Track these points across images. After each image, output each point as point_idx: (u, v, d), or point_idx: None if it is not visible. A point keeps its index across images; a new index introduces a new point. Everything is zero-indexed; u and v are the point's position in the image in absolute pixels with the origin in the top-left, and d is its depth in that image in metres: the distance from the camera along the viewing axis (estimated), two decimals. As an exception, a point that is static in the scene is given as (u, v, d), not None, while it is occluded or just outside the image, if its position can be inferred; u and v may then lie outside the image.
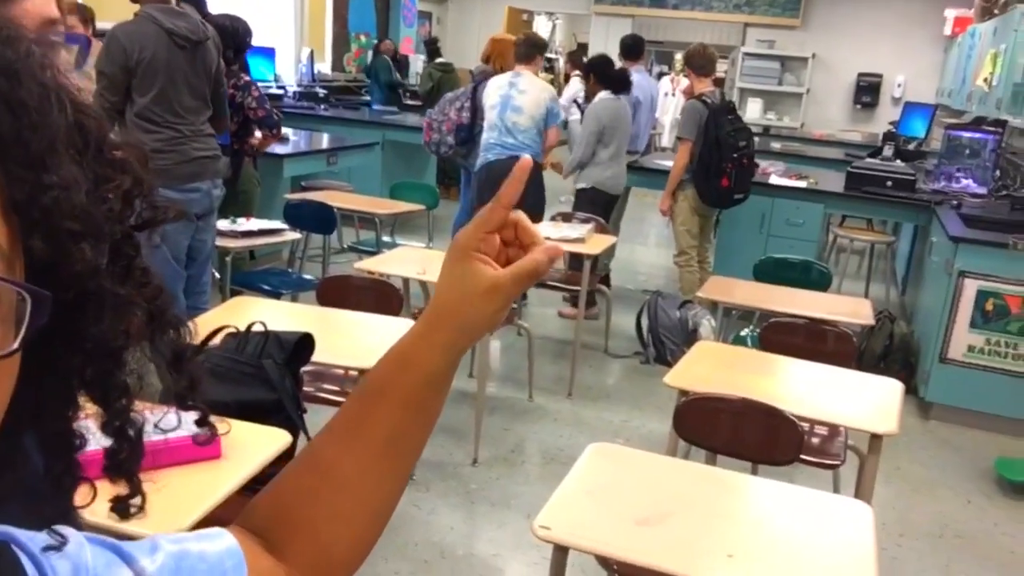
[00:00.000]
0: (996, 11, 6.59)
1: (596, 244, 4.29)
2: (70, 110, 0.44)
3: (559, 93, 6.69)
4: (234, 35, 4.31)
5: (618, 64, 5.59)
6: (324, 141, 6.36)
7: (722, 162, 4.75)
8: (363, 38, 10.04)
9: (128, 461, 0.51)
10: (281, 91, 8.01)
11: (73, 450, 0.49)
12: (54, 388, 0.47)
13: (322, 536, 0.65)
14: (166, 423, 0.56)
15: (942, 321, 4.10)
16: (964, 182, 5.47)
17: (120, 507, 0.52)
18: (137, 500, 0.53)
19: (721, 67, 11.04)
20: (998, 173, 5.50)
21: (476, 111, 5.26)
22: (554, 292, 5.22)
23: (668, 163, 5.91)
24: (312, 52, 8.71)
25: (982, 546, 3.19)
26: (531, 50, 4.97)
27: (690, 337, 4.49)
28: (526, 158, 0.67)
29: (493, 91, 4.95)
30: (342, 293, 3.16)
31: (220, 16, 4.27)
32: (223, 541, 0.60)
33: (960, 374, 4.10)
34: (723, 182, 4.80)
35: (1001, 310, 3.96)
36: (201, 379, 0.54)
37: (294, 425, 2.11)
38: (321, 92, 8.21)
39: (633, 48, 6.02)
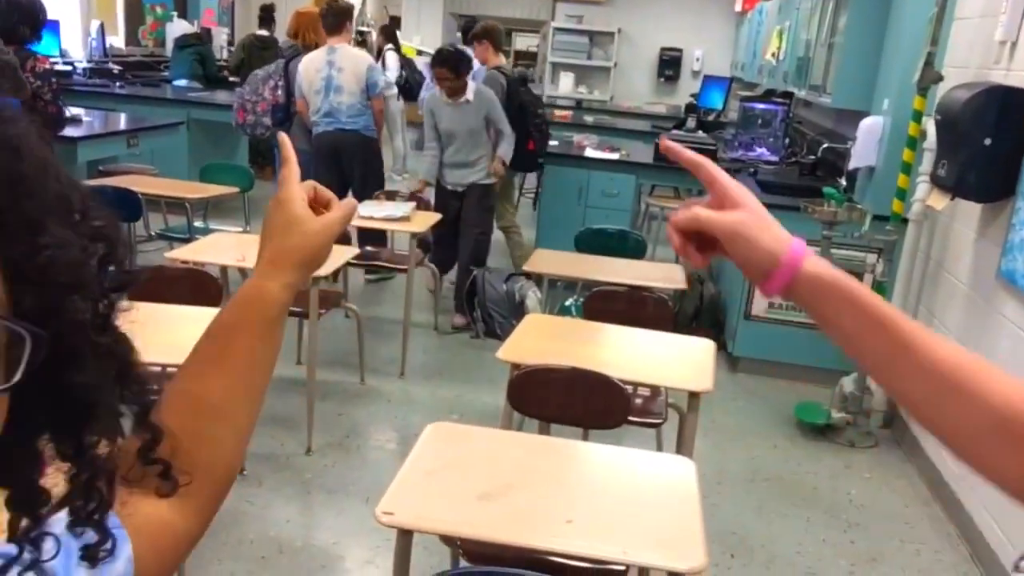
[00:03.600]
0: (780, -10, 7.10)
1: (421, 222, 4.28)
2: (63, 180, 0.49)
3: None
4: (29, 10, 3.89)
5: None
6: (123, 121, 5.92)
7: (527, 126, 5.08)
8: (159, 9, 9.40)
9: (97, 511, 0.53)
10: (69, 67, 7.37)
11: (41, 506, 0.50)
12: (23, 442, 0.48)
13: (201, 462, 0.71)
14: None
15: (745, 281, 4.42)
16: (759, 150, 5.90)
17: (91, 556, 0.54)
18: (107, 545, 0.55)
19: (532, 41, 11.28)
20: (787, 141, 5.97)
21: (290, 89, 5.09)
22: (379, 271, 5.21)
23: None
24: (102, 25, 8.06)
25: (788, 485, 3.50)
26: (339, 19, 4.88)
27: (517, 309, 4.59)
28: (282, 134, 0.87)
29: (313, 74, 4.86)
30: (155, 286, 2.97)
31: None
32: None
33: (762, 329, 4.45)
34: (529, 145, 5.12)
35: (795, 268, 4.31)
36: (163, 434, 0.59)
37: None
38: (115, 68, 7.63)
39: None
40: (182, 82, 7.66)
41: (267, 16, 7.97)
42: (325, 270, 3.46)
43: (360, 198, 4.60)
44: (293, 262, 0.77)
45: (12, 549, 0.48)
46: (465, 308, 4.84)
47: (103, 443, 0.51)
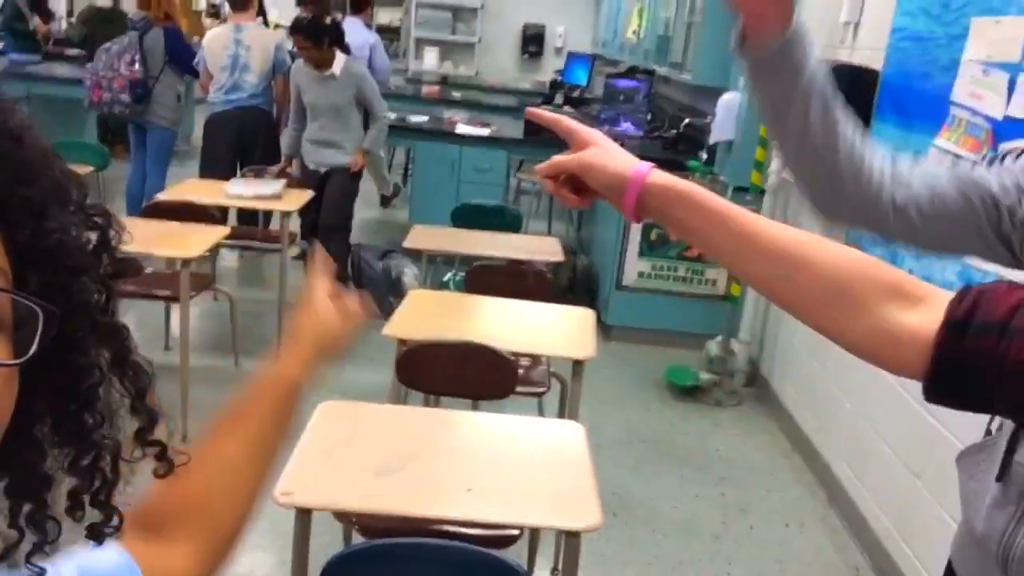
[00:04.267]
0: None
1: (293, 200, 4.18)
2: (63, 169, 0.51)
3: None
4: None
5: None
6: (-48, 97, 5.45)
7: None
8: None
9: (102, 491, 0.54)
10: None
11: (44, 492, 0.50)
12: (23, 427, 0.49)
13: (214, 511, 0.78)
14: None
15: (616, 251, 4.57)
16: (624, 125, 6.07)
17: (96, 533, 0.56)
18: (115, 522, 0.56)
19: (395, 16, 11.12)
20: (650, 116, 6.18)
21: (147, 63, 4.86)
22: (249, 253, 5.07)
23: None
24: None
25: (662, 445, 3.67)
26: None
27: (394, 286, 4.57)
28: (316, 242, 0.93)
29: (219, 50, 4.87)
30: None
31: None
32: (109, 553, 0.64)
33: (633, 298, 4.62)
34: None
35: (663, 238, 4.51)
36: (159, 416, 0.60)
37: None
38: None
39: None
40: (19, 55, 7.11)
41: None
42: (195, 252, 3.34)
43: (259, 174, 4.62)
44: (317, 356, 0.92)
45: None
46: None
47: (104, 424, 0.52)
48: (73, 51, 7.34)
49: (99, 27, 6.91)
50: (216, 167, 4.77)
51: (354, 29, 6.38)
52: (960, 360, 0.68)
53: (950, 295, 0.72)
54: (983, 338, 0.67)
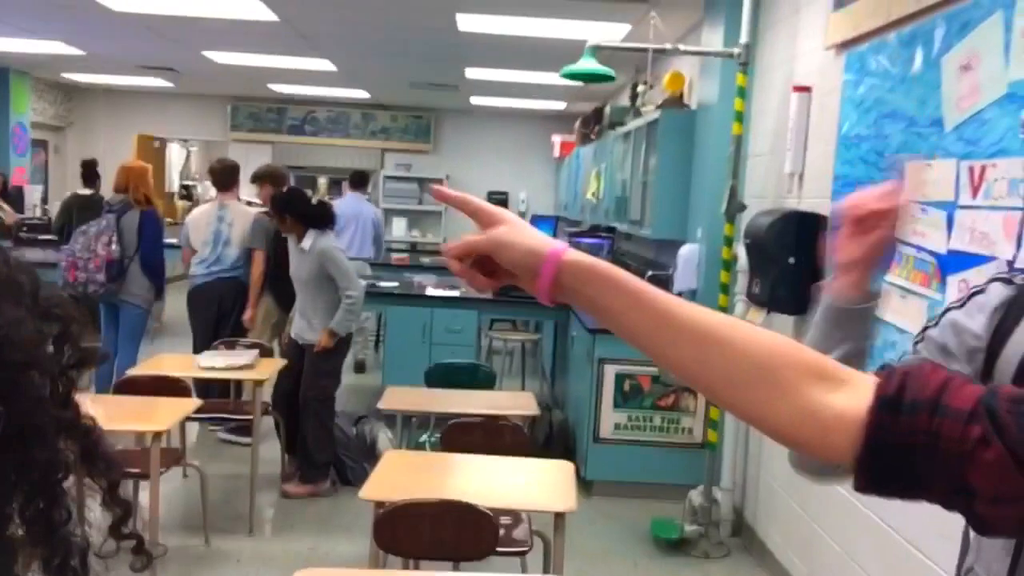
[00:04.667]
0: (592, 137, 7.74)
1: (265, 369, 4.18)
2: (10, 264, 0.51)
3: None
4: None
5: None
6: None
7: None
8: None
9: None
10: None
11: None
12: None
13: None
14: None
15: (591, 404, 4.58)
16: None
17: None
18: None
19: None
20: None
21: (124, 243, 4.99)
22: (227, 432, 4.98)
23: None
24: None
25: (652, 602, 3.54)
26: (229, 177, 5.35)
27: (369, 452, 4.51)
28: None
29: (203, 227, 5.20)
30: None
31: None
32: None
33: (611, 451, 4.58)
34: None
35: (636, 389, 4.54)
36: (133, 508, 0.57)
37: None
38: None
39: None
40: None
41: (90, 173, 7.71)
42: (164, 425, 3.30)
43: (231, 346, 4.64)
44: None
45: None
46: (315, 474, 4.45)
47: (72, 521, 0.51)
48: (45, 235, 7.48)
49: (79, 211, 7.07)
50: (206, 337, 4.96)
51: (354, 203, 6.98)
52: (893, 439, 0.66)
53: (872, 378, 0.71)
54: (917, 416, 0.66)
